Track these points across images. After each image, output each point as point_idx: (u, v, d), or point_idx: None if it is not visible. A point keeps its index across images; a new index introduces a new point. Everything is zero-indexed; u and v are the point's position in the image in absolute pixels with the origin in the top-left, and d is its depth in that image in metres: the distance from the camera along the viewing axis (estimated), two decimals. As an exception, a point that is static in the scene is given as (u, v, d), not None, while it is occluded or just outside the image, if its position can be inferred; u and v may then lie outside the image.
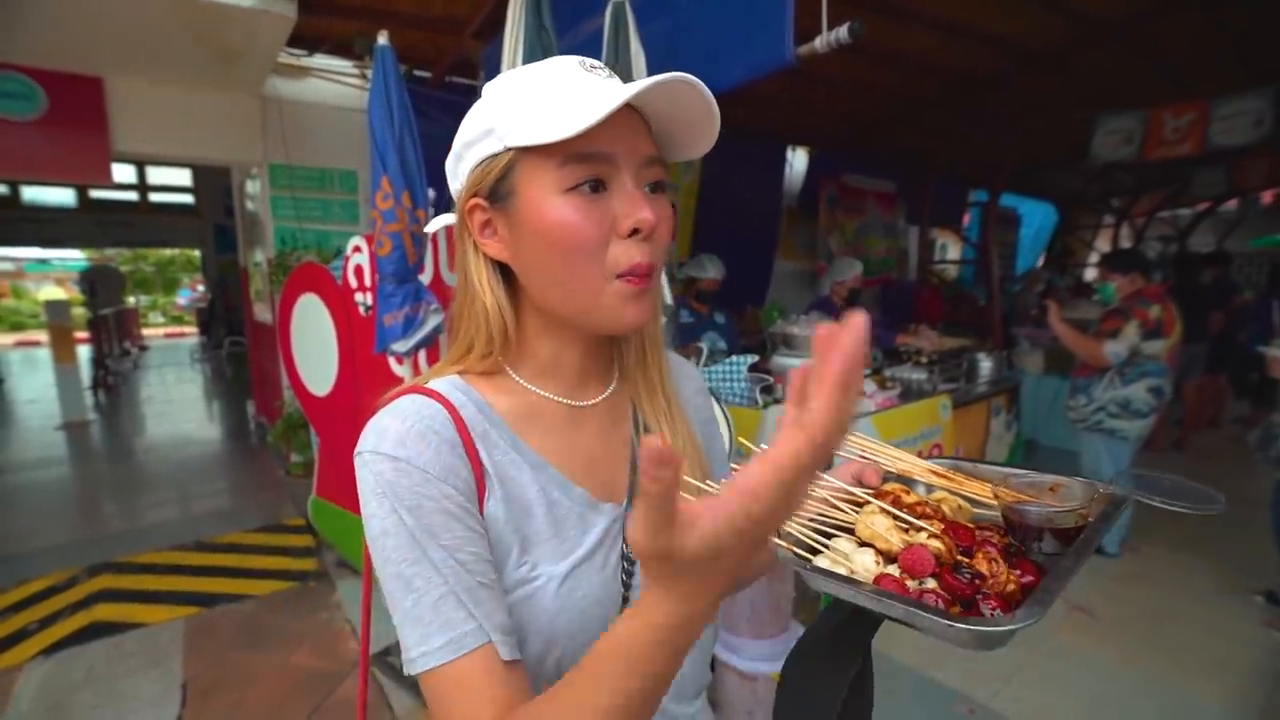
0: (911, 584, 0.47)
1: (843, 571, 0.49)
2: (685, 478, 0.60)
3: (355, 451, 0.54)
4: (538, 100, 0.54)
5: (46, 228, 10.41)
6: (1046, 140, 5.58)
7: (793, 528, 0.54)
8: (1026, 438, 4.49)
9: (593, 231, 0.53)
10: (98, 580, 3.10)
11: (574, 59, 0.56)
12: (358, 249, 2.66)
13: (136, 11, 3.05)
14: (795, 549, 0.53)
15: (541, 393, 0.62)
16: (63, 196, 10.34)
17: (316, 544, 3.45)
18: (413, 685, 2.23)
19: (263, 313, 5.05)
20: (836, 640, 0.53)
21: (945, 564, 0.48)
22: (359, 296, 2.69)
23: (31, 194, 10.08)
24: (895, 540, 0.50)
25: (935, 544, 0.49)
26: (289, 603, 2.91)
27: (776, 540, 0.54)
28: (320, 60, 4.30)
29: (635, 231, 0.53)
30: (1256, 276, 9.25)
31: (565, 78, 0.54)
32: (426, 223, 2.32)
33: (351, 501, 2.80)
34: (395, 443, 0.53)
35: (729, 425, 2.07)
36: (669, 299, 2.54)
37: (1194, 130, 4.08)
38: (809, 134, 5.85)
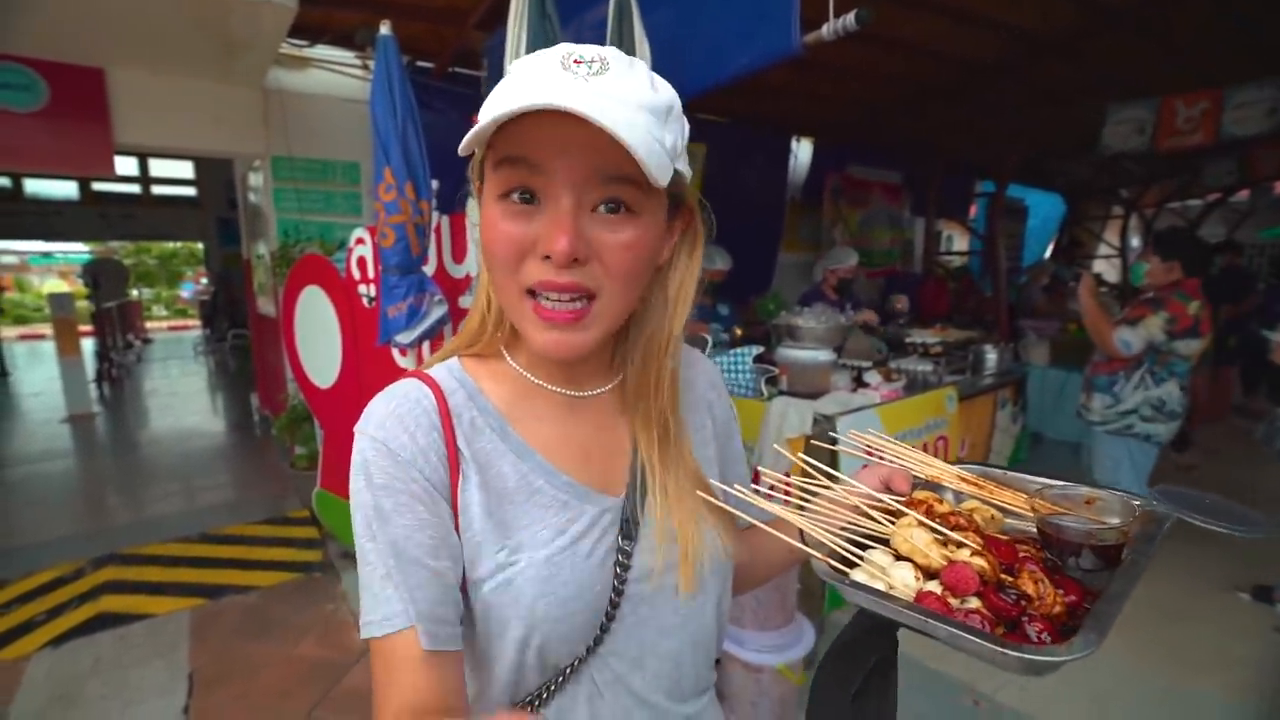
0: (954, 603, 0.45)
1: (880, 587, 0.48)
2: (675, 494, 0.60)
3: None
4: (493, 100, 0.50)
5: (49, 220, 10.44)
6: (1055, 130, 5.51)
7: (826, 538, 0.52)
8: (1032, 430, 4.46)
9: (509, 245, 0.52)
10: (104, 572, 3.12)
11: (560, 51, 0.50)
12: (361, 241, 2.65)
13: (137, 2, 3.03)
14: (830, 560, 0.51)
15: (537, 380, 0.62)
16: (65, 189, 10.36)
17: (321, 535, 3.46)
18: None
19: (266, 305, 5.05)
20: (859, 647, 0.53)
21: (990, 583, 0.46)
22: (362, 288, 2.68)
23: (34, 187, 10.11)
24: (935, 555, 0.48)
25: (979, 561, 0.47)
26: (294, 594, 2.93)
27: (812, 551, 0.53)
28: (322, 51, 4.28)
29: (548, 257, 0.50)
30: (1266, 268, 9.17)
31: (530, 74, 0.49)
32: (429, 214, 2.31)
33: (356, 494, 2.78)
34: (377, 425, 0.57)
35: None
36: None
37: (1206, 120, 4.01)
38: (814, 124, 5.80)
